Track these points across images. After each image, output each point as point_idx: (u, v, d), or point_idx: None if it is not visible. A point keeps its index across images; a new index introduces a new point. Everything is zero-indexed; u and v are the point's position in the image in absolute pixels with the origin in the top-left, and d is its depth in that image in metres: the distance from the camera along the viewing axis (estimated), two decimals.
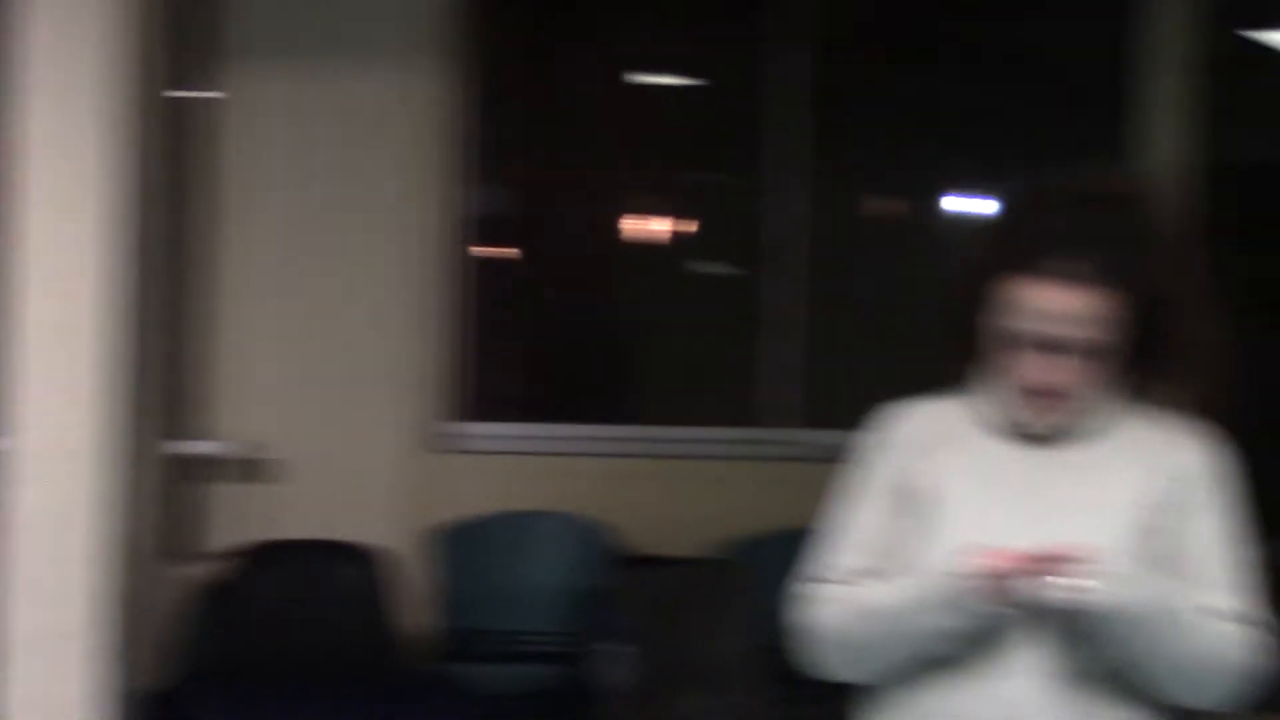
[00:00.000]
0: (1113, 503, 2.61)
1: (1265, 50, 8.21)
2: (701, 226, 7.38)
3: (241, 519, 6.44)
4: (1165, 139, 6.16)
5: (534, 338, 7.18)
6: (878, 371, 2.83)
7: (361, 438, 6.49)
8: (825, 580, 2.70)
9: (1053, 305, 2.55)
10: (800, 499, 2.75)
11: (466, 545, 6.25)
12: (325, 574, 6.09)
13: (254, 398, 6.54)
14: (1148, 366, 2.66)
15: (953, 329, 2.69)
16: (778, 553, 3.21)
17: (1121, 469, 2.64)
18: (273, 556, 6.13)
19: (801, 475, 4.27)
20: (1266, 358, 7.20)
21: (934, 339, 2.78)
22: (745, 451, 6.25)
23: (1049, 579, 2.46)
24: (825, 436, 5.78)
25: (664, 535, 6.12)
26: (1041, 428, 2.63)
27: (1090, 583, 2.47)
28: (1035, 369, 2.58)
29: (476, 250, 6.85)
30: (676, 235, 7.33)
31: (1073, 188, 2.66)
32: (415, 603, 6.27)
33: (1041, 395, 2.60)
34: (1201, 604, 2.58)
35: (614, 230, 7.30)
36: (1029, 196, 2.72)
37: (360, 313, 6.56)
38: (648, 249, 7.37)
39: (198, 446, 6.40)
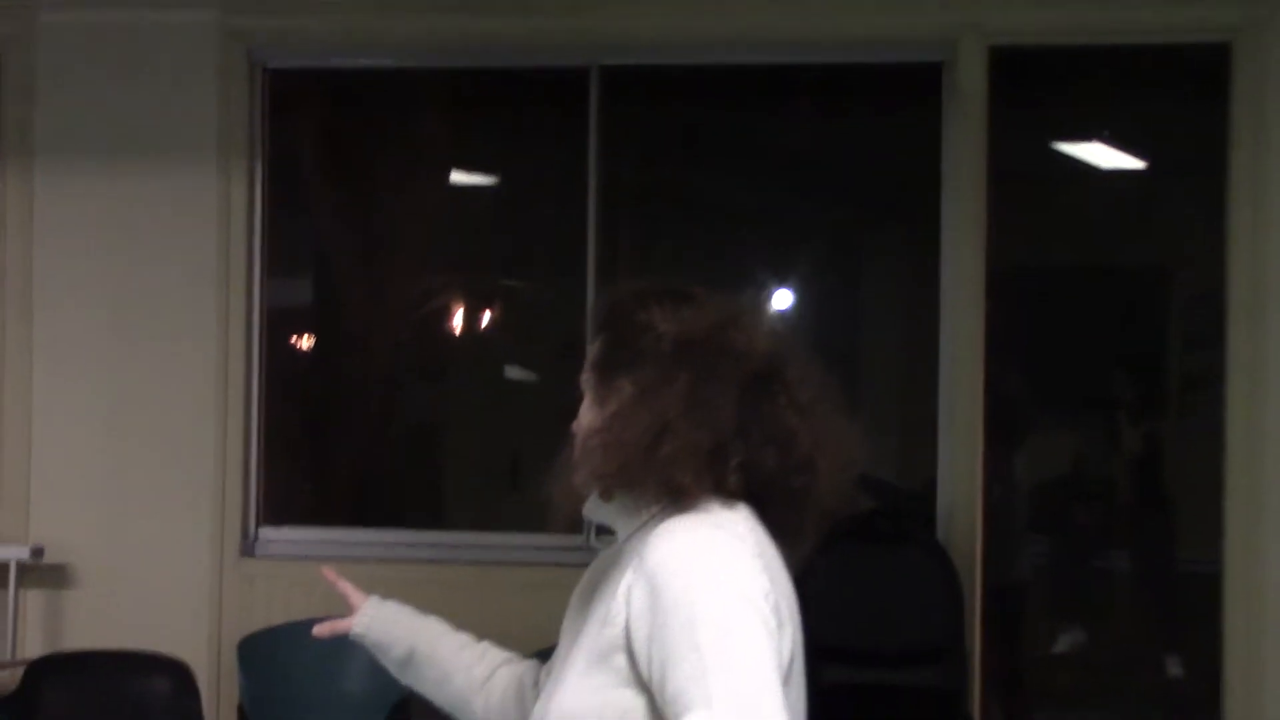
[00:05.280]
0: (594, 620, 2.44)
1: (1074, 162, 8.48)
2: (515, 326, 7.36)
3: (36, 628, 6.28)
4: (965, 246, 6.27)
5: (337, 440, 7.08)
6: None
7: (166, 543, 6.36)
8: None
9: None
10: None
11: (270, 653, 6.13)
12: (123, 684, 5.92)
13: (50, 502, 6.40)
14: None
15: None
16: None
17: (611, 577, 2.45)
18: (70, 666, 5.95)
19: None
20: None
21: None
22: (556, 558, 6.20)
23: None
24: None
25: None
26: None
27: None
28: None
29: (275, 348, 6.75)
30: (489, 335, 7.29)
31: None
32: (219, 713, 6.12)
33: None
34: None
35: (423, 329, 7.24)
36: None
37: (155, 414, 6.42)
38: (453, 350, 7.33)
39: None
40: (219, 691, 6.19)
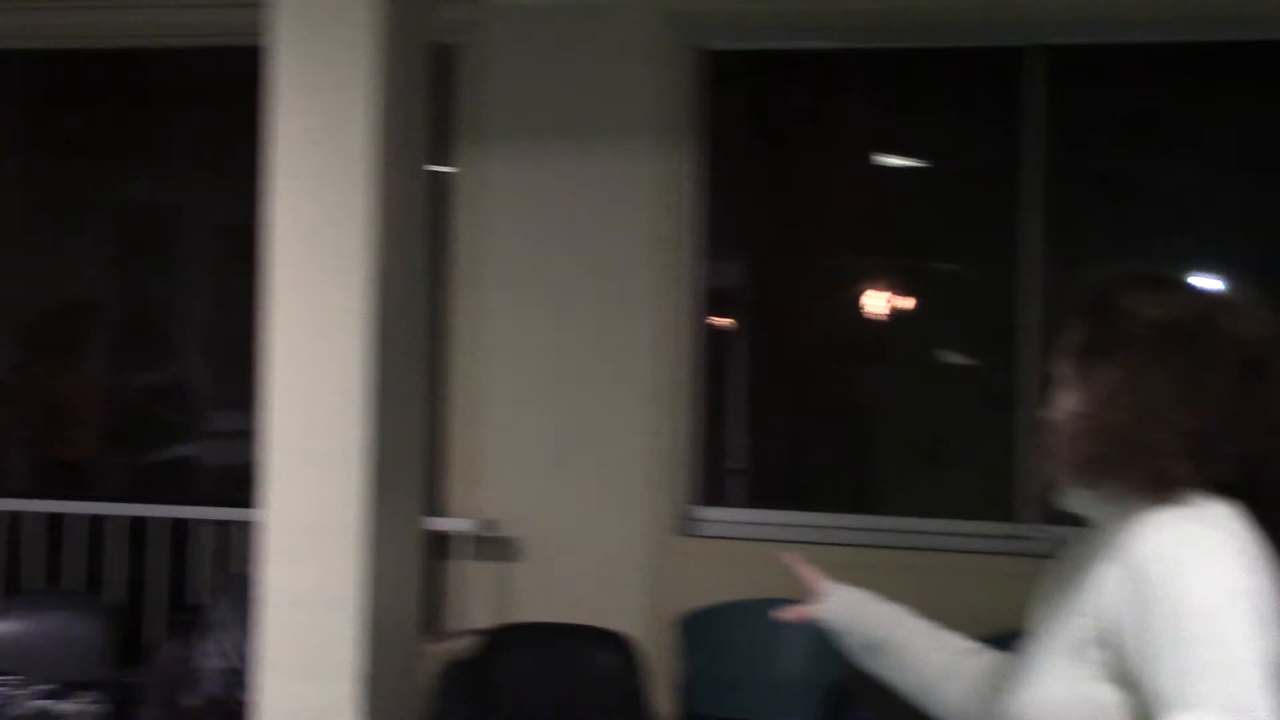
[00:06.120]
0: (1069, 612, 2.39)
1: None
2: (938, 310, 7.28)
3: (484, 598, 6.48)
4: None
5: (769, 422, 7.12)
6: None
7: (606, 519, 6.50)
8: None
9: None
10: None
11: (710, 631, 6.21)
12: (576, 657, 6.09)
13: (499, 477, 6.59)
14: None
15: None
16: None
17: (1090, 568, 2.39)
18: (524, 637, 6.14)
19: None
20: None
21: None
22: (997, 546, 6.13)
23: None
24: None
25: None
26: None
27: None
28: None
29: (713, 328, 6.82)
30: (911, 318, 7.23)
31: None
32: (658, 688, 6.23)
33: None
34: None
35: (847, 311, 7.23)
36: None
37: (604, 391, 6.56)
38: (880, 332, 7.29)
39: (442, 524, 6.47)
40: (655, 668, 6.29)
